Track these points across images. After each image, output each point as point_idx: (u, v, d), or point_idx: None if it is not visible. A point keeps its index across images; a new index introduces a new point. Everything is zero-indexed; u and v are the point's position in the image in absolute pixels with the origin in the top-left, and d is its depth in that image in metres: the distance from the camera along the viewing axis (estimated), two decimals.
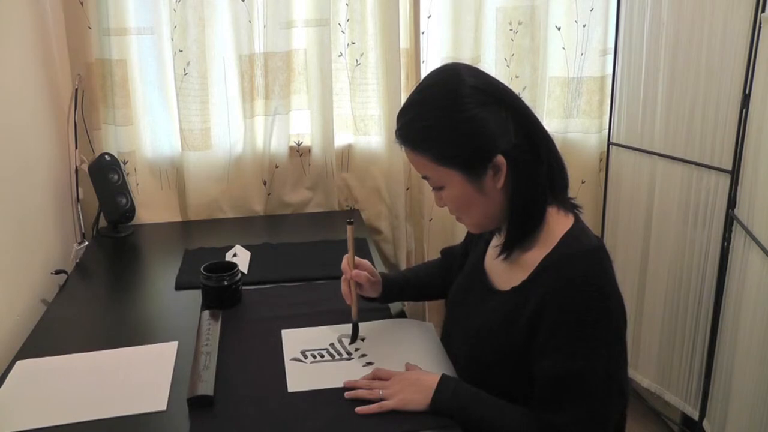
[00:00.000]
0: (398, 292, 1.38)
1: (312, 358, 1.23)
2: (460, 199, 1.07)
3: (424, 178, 1.10)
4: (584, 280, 1.00)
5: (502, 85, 1.07)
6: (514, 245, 1.09)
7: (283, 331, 1.32)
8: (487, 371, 1.10)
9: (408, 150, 1.07)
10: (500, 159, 1.02)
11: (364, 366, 1.20)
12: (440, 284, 1.41)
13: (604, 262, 1.03)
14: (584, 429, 1.00)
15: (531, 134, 1.05)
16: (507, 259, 1.11)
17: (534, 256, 1.07)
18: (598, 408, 1.00)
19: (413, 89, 1.09)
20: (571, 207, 1.11)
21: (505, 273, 1.13)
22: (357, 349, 1.26)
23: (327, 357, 1.24)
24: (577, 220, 1.10)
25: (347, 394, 1.10)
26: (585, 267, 1.02)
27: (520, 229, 1.08)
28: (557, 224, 1.08)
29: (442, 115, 1.03)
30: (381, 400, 1.08)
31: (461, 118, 1.01)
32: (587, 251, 1.04)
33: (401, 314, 1.42)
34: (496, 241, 1.17)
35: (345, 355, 1.24)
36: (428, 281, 1.43)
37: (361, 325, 1.30)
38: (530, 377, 1.04)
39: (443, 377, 1.09)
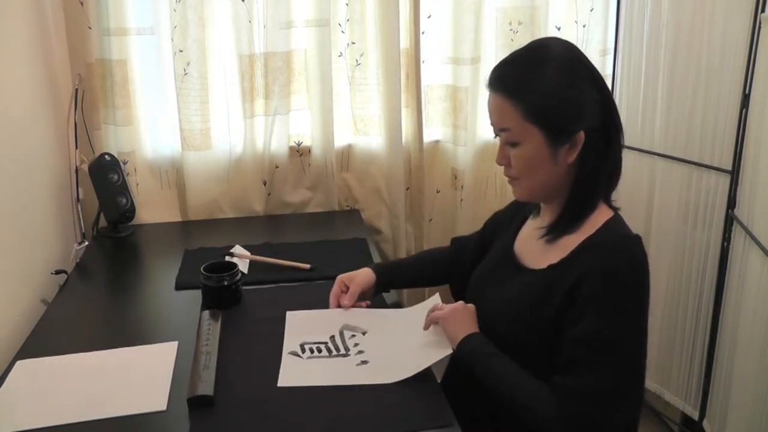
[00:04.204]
0: (389, 282, 1.45)
1: (309, 353, 1.24)
2: (531, 159, 1.08)
3: (501, 130, 1.10)
4: (625, 259, 1.03)
5: (599, 73, 1.10)
6: (564, 227, 1.11)
7: (288, 313, 1.33)
8: (515, 348, 1.11)
9: (500, 97, 1.07)
10: (581, 136, 1.05)
11: (358, 365, 1.21)
12: (444, 273, 1.45)
13: (643, 249, 1.06)
14: (599, 397, 1.00)
15: (609, 126, 1.08)
16: (550, 241, 1.13)
17: (573, 240, 1.10)
18: (618, 376, 1.00)
19: (516, 49, 1.11)
20: (612, 207, 1.15)
21: (540, 254, 1.15)
22: (356, 345, 1.27)
23: (324, 352, 1.25)
24: (617, 215, 1.13)
25: (425, 325, 1.23)
26: (625, 248, 1.05)
27: (575, 212, 1.10)
28: (600, 213, 1.11)
29: (551, 76, 1.05)
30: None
31: (568, 84, 1.05)
32: (628, 236, 1.08)
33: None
34: (536, 223, 1.19)
35: (342, 351, 1.25)
36: (431, 270, 1.47)
37: (363, 317, 1.34)
38: (552, 361, 1.05)
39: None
